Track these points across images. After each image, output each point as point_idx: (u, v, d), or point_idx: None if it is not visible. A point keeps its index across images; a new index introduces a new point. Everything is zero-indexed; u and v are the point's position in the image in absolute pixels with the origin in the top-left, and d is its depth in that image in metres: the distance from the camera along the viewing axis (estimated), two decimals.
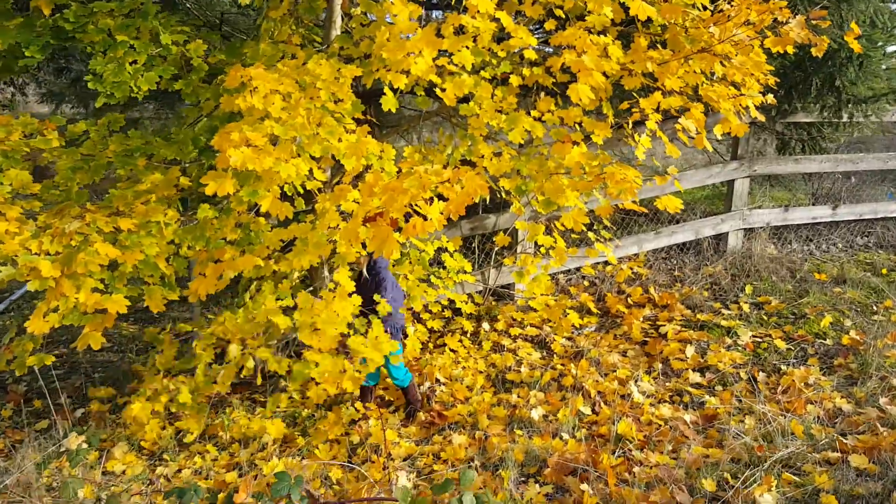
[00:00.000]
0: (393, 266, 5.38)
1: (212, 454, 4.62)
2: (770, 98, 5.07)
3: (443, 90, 3.86)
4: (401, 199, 3.35)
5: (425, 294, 5.72)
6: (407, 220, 3.50)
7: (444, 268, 5.87)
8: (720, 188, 9.01)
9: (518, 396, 5.23)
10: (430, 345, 6.02)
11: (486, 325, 6.26)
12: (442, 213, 3.39)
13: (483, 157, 4.61)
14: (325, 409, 5.22)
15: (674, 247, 7.59)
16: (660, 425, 4.74)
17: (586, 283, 7.07)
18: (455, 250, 5.96)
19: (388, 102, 4.19)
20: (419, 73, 3.82)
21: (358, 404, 5.10)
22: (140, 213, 3.68)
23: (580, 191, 4.33)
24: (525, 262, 5.62)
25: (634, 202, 4.69)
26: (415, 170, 3.42)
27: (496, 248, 6.58)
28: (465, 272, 5.95)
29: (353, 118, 4.06)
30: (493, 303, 6.70)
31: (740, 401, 5.01)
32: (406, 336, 5.15)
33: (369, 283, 4.77)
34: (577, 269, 7.12)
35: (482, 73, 4.45)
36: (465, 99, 4.45)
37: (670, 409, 4.94)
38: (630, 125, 4.58)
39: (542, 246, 5.11)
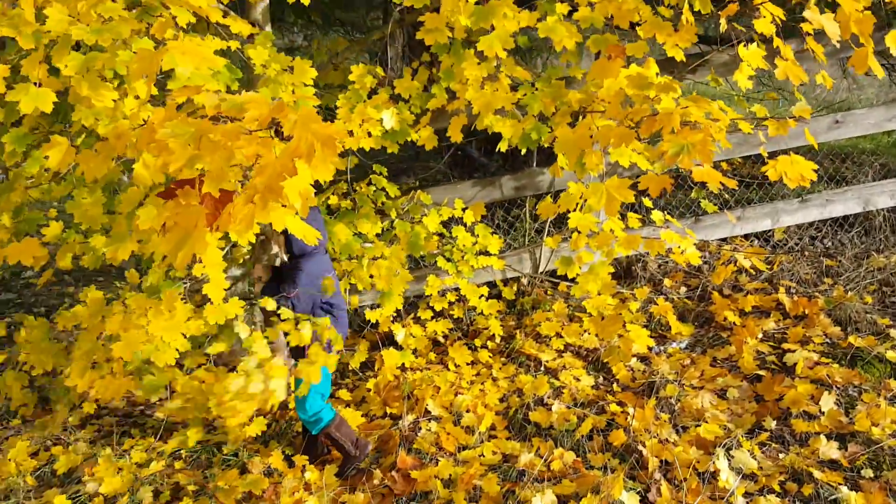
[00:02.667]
0: (360, 243, 3.77)
1: None
2: None
3: None
4: (170, 160, 1.75)
5: (427, 286, 4.11)
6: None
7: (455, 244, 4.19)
8: None
9: (535, 454, 3.55)
10: (431, 355, 4.41)
11: (528, 327, 4.55)
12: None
13: (467, 82, 2.86)
14: (262, 444, 3.83)
15: (828, 222, 5.40)
16: None
17: (683, 272, 5.11)
18: (476, 221, 4.25)
19: None
20: None
21: (275, 456, 3.62)
22: None
23: (614, 144, 2.50)
24: (576, 244, 3.80)
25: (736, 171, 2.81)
26: (201, 102, 1.79)
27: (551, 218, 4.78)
28: (489, 254, 4.24)
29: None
30: (550, 292, 4.95)
31: None
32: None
33: (282, 275, 3.25)
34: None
35: None
36: None
37: None
38: (727, 23, 2.66)
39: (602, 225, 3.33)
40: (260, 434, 3.95)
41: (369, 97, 3.17)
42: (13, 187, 2.66)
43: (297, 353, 3.42)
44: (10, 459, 3.70)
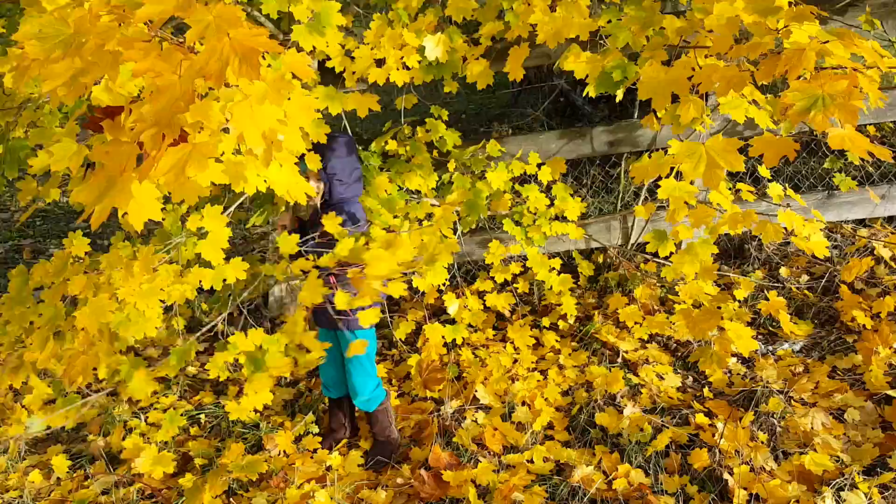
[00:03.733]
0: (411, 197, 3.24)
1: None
2: None
3: None
4: (45, 75, 1.27)
5: (489, 253, 3.54)
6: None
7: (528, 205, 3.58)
8: None
9: (596, 468, 2.98)
10: (490, 332, 3.87)
11: (610, 308, 3.92)
12: None
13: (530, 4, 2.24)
14: (288, 415, 3.44)
15: None
16: None
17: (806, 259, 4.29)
18: (554, 180, 3.63)
19: None
20: None
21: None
22: None
23: (720, 90, 1.84)
24: (673, 216, 3.11)
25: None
26: None
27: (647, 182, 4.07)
28: (566, 220, 3.61)
29: None
30: (641, 265, 4.28)
31: None
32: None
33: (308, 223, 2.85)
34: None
35: None
36: None
37: None
38: None
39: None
40: (286, 403, 3.58)
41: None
42: None
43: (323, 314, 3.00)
44: (22, 406, 3.47)
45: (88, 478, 3.11)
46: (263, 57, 1.76)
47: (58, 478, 3.10)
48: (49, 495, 3.03)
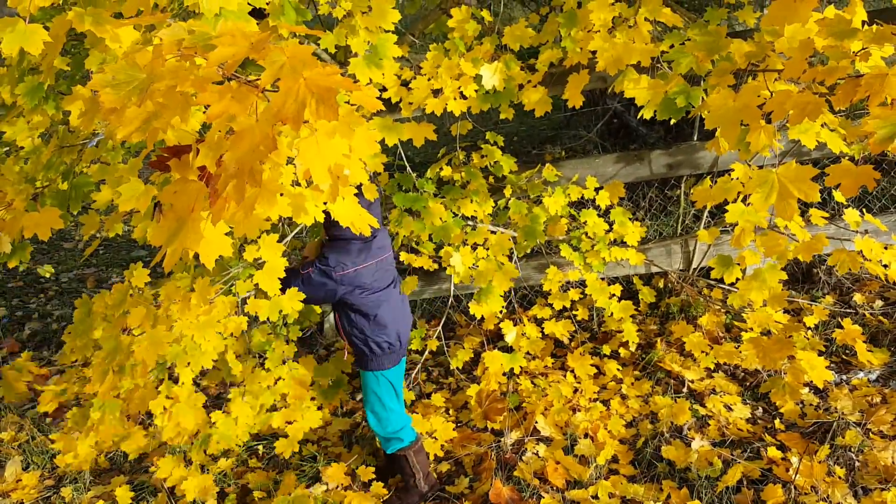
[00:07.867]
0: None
1: None
2: None
3: None
4: (116, 122, 1.30)
5: (546, 279, 3.51)
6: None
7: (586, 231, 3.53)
8: None
9: None
10: (549, 360, 3.81)
11: (673, 335, 3.84)
12: None
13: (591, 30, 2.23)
14: (345, 446, 3.43)
15: None
16: None
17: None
18: (612, 204, 3.58)
19: None
20: None
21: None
22: None
23: (794, 118, 1.79)
24: (738, 241, 3.04)
25: None
26: None
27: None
28: (626, 245, 3.55)
29: None
30: (705, 293, 4.19)
31: None
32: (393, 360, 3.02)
33: None
34: None
35: None
36: None
37: None
38: None
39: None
40: (343, 434, 3.58)
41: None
42: (60, 145, 2.35)
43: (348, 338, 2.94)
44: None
45: None
46: None
47: None
48: None
